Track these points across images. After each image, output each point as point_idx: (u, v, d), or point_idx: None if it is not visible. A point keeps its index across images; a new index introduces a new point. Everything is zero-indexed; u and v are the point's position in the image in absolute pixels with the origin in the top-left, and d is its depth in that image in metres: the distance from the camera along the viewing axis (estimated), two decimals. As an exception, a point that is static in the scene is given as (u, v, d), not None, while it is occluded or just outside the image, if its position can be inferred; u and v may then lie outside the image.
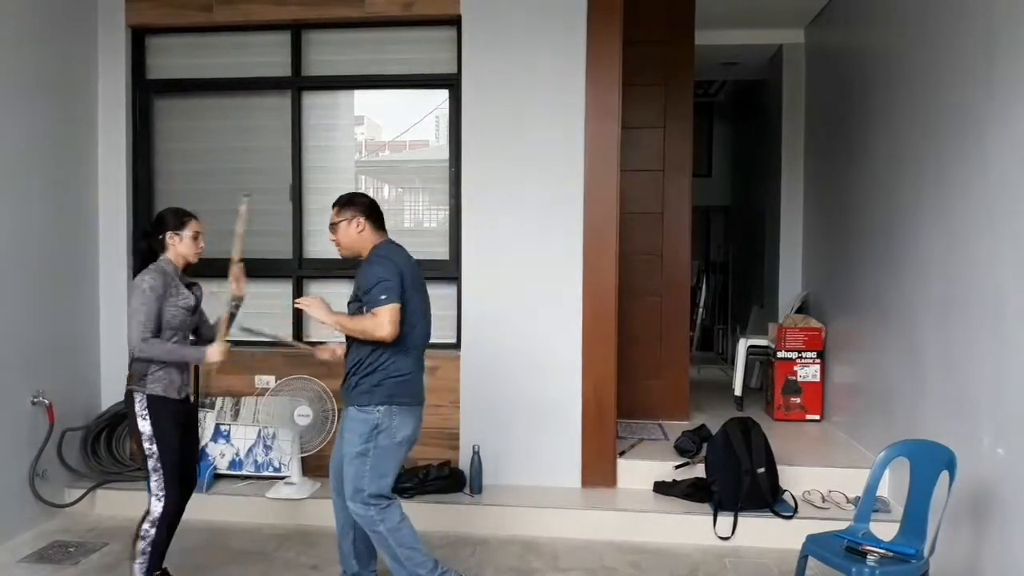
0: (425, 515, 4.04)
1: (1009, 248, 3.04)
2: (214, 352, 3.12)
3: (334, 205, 3.13)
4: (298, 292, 4.76)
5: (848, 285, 5.12)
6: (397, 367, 3.02)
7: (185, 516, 4.23)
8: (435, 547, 3.87)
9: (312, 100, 4.83)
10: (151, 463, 3.06)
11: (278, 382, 4.52)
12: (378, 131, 5.02)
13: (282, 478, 4.45)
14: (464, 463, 4.42)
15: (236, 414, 4.62)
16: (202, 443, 4.57)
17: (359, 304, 3.00)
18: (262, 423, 4.55)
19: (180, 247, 3.16)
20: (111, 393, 4.72)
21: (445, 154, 4.71)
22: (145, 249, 3.23)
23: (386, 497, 3.04)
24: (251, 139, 4.90)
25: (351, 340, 3.08)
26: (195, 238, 3.19)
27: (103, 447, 4.58)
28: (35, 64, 4.21)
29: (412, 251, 3.19)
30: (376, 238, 3.10)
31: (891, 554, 2.83)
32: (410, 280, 3.02)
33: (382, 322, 2.89)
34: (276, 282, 4.81)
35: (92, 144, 4.71)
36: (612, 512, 4.15)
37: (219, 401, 4.67)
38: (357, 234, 3.07)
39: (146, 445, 3.05)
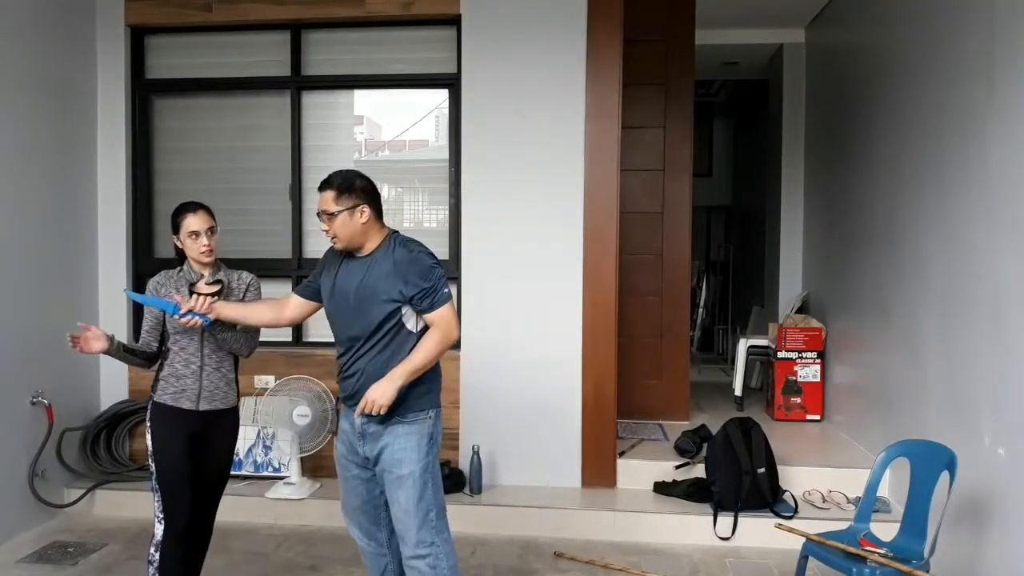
0: (425, 515, 4.04)
1: (1009, 248, 3.03)
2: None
3: (324, 188, 2.61)
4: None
5: (848, 285, 5.12)
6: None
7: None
8: (435, 547, 3.87)
9: (312, 100, 4.83)
10: (151, 482, 2.81)
11: (277, 382, 4.52)
12: (378, 131, 5.02)
13: (281, 478, 4.45)
14: (464, 463, 4.41)
15: (236, 414, 4.61)
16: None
17: (395, 304, 2.55)
18: (261, 423, 4.54)
19: (185, 250, 2.84)
20: (111, 393, 4.73)
21: (445, 154, 4.71)
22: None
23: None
24: (251, 139, 4.89)
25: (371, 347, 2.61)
26: (193, 237, 2.80)
27: (102, 447, 4.57)
28: (35, 64, 4.21)
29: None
30: (383, 227, 2.68)
31: (891, 554, 2.83)
32: None
33: (453, 323, 2.60)
34: (275, 282, 4.79)
35: (92, 144, 4.70)
36: (612, 512, 4.15)
37: (219, 401, 4.66)
38: (362, 225, 2.60)
39: (148, 460, 2.84)
